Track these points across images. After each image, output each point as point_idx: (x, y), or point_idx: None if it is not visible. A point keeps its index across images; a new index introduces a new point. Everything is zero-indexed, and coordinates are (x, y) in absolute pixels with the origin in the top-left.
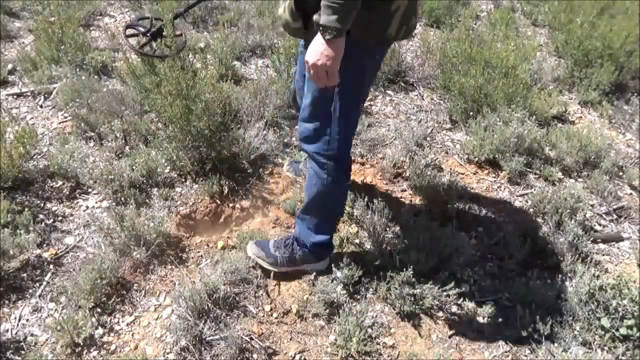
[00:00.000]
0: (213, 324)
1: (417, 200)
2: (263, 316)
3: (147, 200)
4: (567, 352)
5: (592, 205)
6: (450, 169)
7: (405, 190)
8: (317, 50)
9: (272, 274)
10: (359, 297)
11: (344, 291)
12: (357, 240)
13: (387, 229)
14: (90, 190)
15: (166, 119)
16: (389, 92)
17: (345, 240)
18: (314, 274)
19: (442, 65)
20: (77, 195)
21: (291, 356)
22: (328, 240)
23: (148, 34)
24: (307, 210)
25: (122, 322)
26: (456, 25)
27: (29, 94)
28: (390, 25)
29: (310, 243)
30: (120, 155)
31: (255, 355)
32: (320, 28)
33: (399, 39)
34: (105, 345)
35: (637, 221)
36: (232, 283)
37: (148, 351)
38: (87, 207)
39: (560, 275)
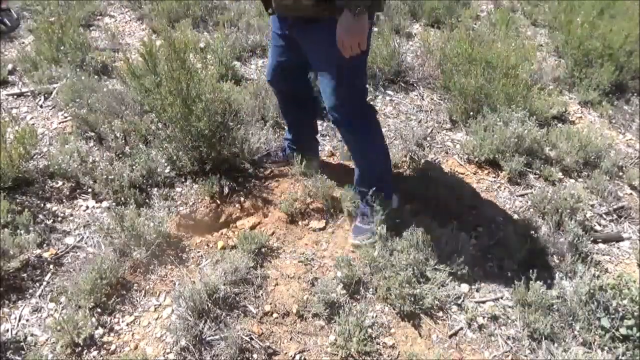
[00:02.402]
0: (213, 324)
1: (417, 200)
2: (263, 316)
3: (147, 200)
4: (567, 352)
5: (592, 205)
6: (450, 169)
7: (405, 190)
8: (352, 26)
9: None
10: (359, 297)
11: (344, 291)
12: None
13: (387, 229)
14: (90, 190)
15: (166, 119)
16: (389, 92)
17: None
18: (314, 275)
19: (442, 65)
20: (77, 195)
21: (291, 356)
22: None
23: None
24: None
25: (122, 322)
26: (456, 25)
27: (29, 94)
28: None
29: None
30: (120, 155)
31: (255, 355)
32: (351, 5)
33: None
34: (105, 345)
35: (637, 221)
36: (232, 283)
37: (148, 351)
38: (87, 207)
39: (560, 275)
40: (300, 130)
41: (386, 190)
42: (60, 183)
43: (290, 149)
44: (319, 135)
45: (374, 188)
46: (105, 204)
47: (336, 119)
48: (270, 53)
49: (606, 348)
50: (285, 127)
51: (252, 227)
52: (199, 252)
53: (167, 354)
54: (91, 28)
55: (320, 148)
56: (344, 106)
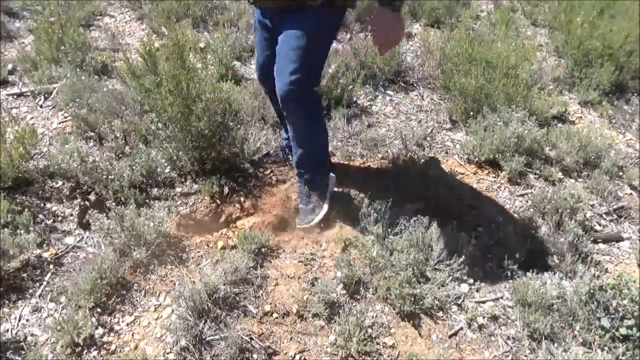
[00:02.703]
0: (213, 324)
1: (417, 200)
2: (263, 316)
3: (147, 200)
4: (567, 352)
5: (592, 205)
6: (451, 169)
7: (405, 190)
8: (393, 24)
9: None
10: (359, 297)
11: (344, 291)
12: (357, 240)
13: (388, 229)
14: (90, 190)
15: (166, 119)
16: (389, 92)
17: (346, 240)
18: (314, 275)
19: (442, 65)
20: (77, 195)
21: (291, 356)
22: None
23: None
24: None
25: (122, 322)
26: (456, 25)
27: (29, 94)
28: None
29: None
30: (120, 155)
31: (255, 355)
32: (393, 3)
33: None
34: (105, 345)
35: (637, 221)
36: (232, 283)
37: (148, 351)
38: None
39: (560, 275)
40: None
41: (324, 171)
42: (60, 183)
43: (289, 147)
44: None
45: (314, 170)
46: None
47: (288, 99)
48: (256, 49)
49: (606, 348)
50: (282, 126)
51: (252, 227)
52: (199, 252)
53: (167, 354)
54: (91, 28)
55: None
56: (300, 85)
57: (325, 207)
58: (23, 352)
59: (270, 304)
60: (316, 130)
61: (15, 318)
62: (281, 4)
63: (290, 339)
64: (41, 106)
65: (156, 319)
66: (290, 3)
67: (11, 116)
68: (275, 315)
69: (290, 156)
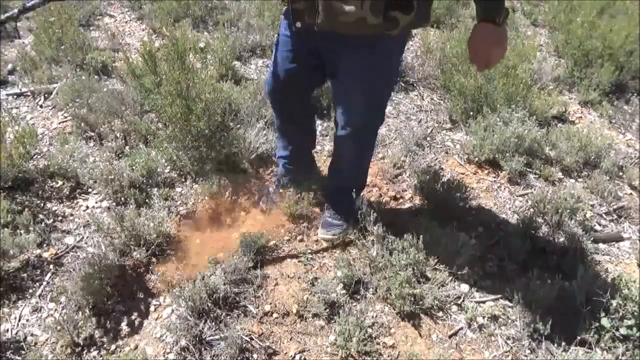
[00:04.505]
0: (213, 324)
1: (417, 200)
2: (263, 316)
3: (147, 200)
4: (567, 352)
5: (592, 205)
6: (450, 169)
7: (405, 190)
8: (497, 37)
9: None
10: (359, 297)
11: (344, 291)
12: (357, 240)
13: (388, 229)
14: (90, 190)
15: (166, 119)
16: None
17: (346, 240)
18: (314, 275)
19: (442, 65)
20: (77, 195)
21: (291, 356)
22: None
23: None
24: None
25: (122, 322)
26: (456, 25)
27: (29, 94)
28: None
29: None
30: (120, 155)
31: (255, 355)
32: (499, 15)
33: None
34: (105, 345)
35: (637, 221)
36: (232, 283)
37: (148, 351)
38: (87, 207)
39: (560, 275)
40: (299, 148)
41: (358, 194)
42: (60, 183)
43: (285, 169)
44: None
45: (351, 197)
46: (105, 203)
47: (350, 135)
48: (277, 60)
49: (606, 348)
50: (281, 144)
51: (252, 227)
52: (198, 252)
53: (167, 354)
54: (91, 28)
55: (320, 148)
56: (367, 127)
57: (351, 223)
58: (23, 352)
59: (270, 304)
60: (367, 159)
61: (15, 318)
62: (348, 31)
63: (290, 339)
64: (41, 106)
65: (156, 319)
66: (368, 31)
67: (11, 116)
68: (275, 315)
69: (284, 187)
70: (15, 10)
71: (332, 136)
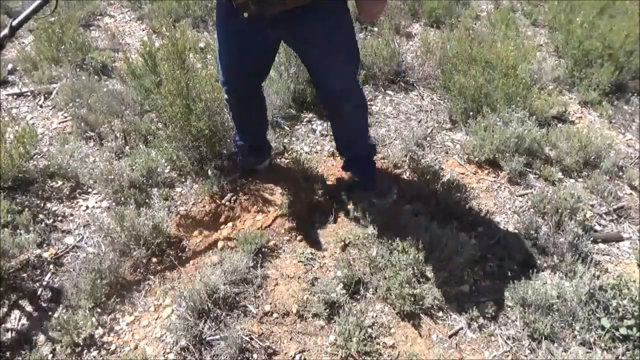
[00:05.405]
0: (213, 324)
1: (417, 201)
2: (263, 316)
3: (147, 200)
4: (567, 352)
5: (592, 205)
6: (450, 169)
7: (405, 190)
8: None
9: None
10: (359, 297)
11: (344, 291)
12: (358, 240)
13: (388, 229)
14: (90, 190)
15: (166, 119)
16: (389, 92)
17: (346, 240)
18: (314, 275)
19: (442, 65)
20: (77, 195)
21: (291, 356)
22: None
23: None
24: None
25: (122, 322)
26: (456, 25)
27: (29, 94)
28: None
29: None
30: (120, 155)
31: (255, 355)
32: None
33: None
34: (105, 345)
35: (637, 221)
36: (232, 283)
37: (148, 351)
38: (87, 207)
39: (560, 275)
40: (256, 134)
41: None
42: (60, 183)
43: (244, 155)
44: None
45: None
46: (105, 203)
47: (342, 99)
48: (224, 53)
49: (606, 348)
50: (239, 131)
51: (252, 227)
52: (199, 252)
53: (167, 354)
54: (91, 28)
55: (319, 148)
56: (353, 83)
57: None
58: (23, 352)
59: (270, 304)
60: (366, 118)
61: (15, 318)
62: (295, 3)
63: (290, 339)
64: (41, 106)
65: (156, 319)
66: (308, 1)
67: (11, 116)
68: (275, 315)
69: (241, 161)
70: (6, 31)
71: (330, 130)
